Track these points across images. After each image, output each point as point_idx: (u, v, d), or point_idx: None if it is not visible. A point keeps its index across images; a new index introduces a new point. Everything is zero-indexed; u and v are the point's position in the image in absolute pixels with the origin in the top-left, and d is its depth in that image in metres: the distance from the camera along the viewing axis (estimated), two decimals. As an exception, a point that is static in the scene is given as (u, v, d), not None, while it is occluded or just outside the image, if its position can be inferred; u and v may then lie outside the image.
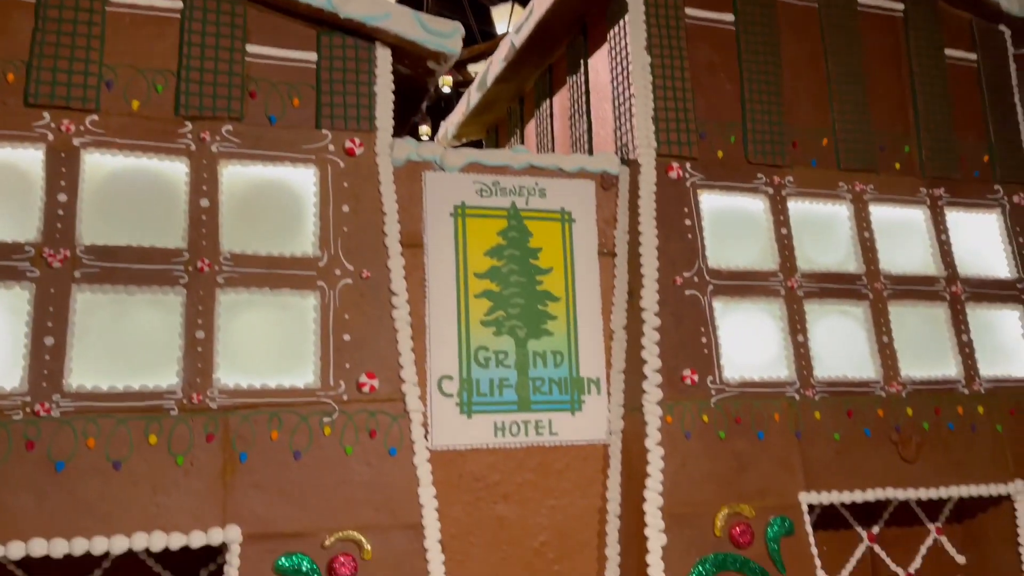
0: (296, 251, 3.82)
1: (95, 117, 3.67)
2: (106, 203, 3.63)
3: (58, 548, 3.19)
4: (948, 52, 5.18)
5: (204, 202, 3.73)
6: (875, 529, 4.65)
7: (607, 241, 4.40)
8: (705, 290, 4.25)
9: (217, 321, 3.61)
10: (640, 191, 4.28)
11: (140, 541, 3.29)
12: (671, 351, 4.08)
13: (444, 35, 4.21)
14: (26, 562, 3.40)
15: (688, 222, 4.32)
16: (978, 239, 4.98)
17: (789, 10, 4.84)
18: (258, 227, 3.81)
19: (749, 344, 4.29)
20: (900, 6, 5.13)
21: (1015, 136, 5.22)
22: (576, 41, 5.12)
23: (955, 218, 4.94)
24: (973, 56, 5.26)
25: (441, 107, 11.56)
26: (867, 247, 4.67)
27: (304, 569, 3.44)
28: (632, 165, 4.39)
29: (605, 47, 4.73)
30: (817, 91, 4.80)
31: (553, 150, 5.44)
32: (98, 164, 3.66)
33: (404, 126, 4.86)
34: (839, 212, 4.71)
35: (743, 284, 4.35)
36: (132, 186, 3.69)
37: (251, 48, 3.95)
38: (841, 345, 4.46)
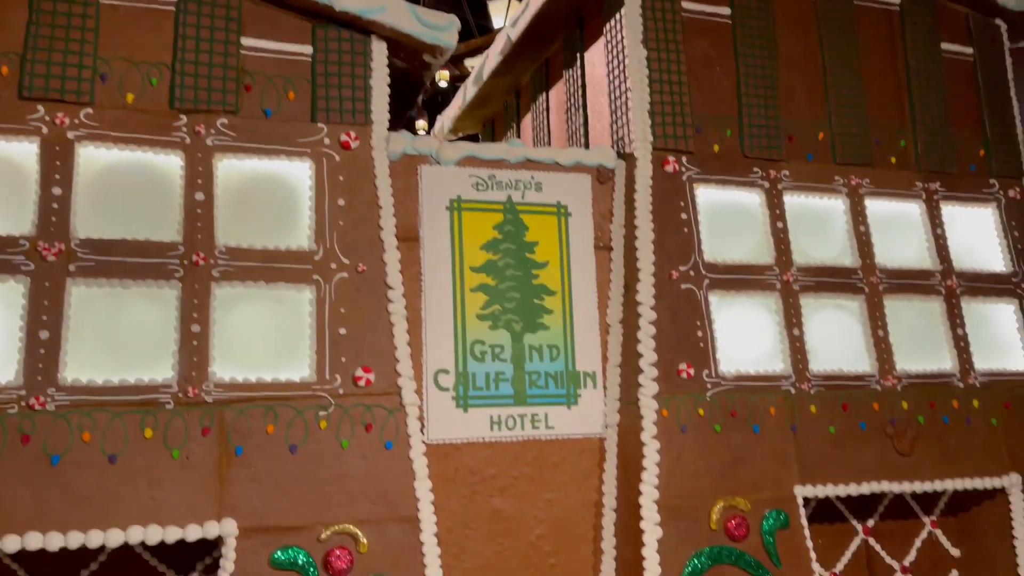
0: (292, 245, 3.81)
1: (89, 110, 3.66)
2: (101, 196, 3.62)
3: (54, 542, 3.18)
4: (944, 46, 5.18)
5: (199, 195, 3.72)
6: (870, 522, 4.67)
7: (603, 235, 4.40)
8: (701, 284, 4.26)
9: (212, 315, 3.61)
10: (636, 185, 4.28)
11: (136, 535, 3.29)
12: (667, 345, 4.08)
13: (440, 28, 4.21)
14: (22, 556, 3.40)
15: (684, 216, 4.32)
16: (974, 233, 4.99)
17: (785, 4, 4.83)
18: (253, 221, 3.80)
19: (745, 338, 4.30)
20: (896, 0, 5.12)
21: (1011, 130, 5.23)
22: (572, 35, 5.11)
23: (951, 212, 4.95)
24: (969, 50, 5.26)
25: (438, 101, 11.54)
26: (863, 241, 4.67)
27: (300, 562, 3.45)
28: (628, 159, 4.39)
29: (601, 41, 4.72)
30: (813, 85, 4.80)
31: (549, 144, 5.44)
32: (93, 157, 3.65)
33: (400, 120, 4.85)
34: (835, 206, 4.72)
35: (739, 278, 4.35)
36: (127, 179, 3.68)
37: (246, 41, 3.94)
38: (837, 339, 4.47)
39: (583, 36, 4.99)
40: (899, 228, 4.81)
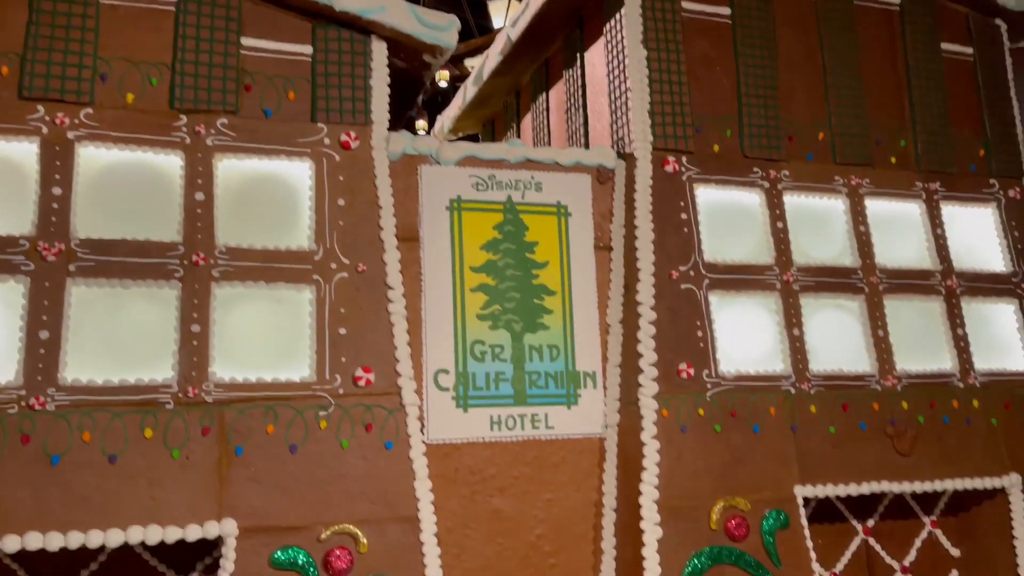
0: (292, 245, 3.81)
1: (89, 110, 3.66)
2: (101, 196, 3.62)
3: (54, 542, 3.18)
4: (944, 46, 5.18)
5: (199, 195, 3.72)
6: (870, 522, 4.67)
7: (603, 235, 4.40)
8: (701, 284, 4.26)
9: (212, 315, 3.61)
10: (636, 185, 4.28)
11: (136, 535, 3.29)
12: (667, 345, 4.08)
13: (440, 28, 4.21)
14: (22, 556, 3.40)
15: (684, 216, 4.32)
16: (974, 233, 4.99)
17: (785, 4, 4.83)
18: (253, 221, 3.80)
19: (745, 338, 4.30)
20: (896, 0, 5.13)
21: (1011, 130, 5.23)
22: (572, 35, 5.11)
23: (951, 212, 4.95)
24: (969, 50, 5.26)
25: (438, 102, 11.54)
26: (863, 241, 4.67)
27: (300, 562, 3.45)
28: (628, 159, 4.39)
29: (601, 41, 4.72)
30: (813, 85, 4.80)
31: (549, 144, 5.44)
32: (93, 157, 3.65)
33: (400, 120, 4.85)
34: (835, 206, 4.72)
35: (739, 278, 4.35)
36: (127, 179, 3.68)
37: (246, 41, 3.94)
38: (837, 339, 4.47)
39: (583, 36, 4.99)
40: (899, 228, 4.81)
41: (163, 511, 3.35)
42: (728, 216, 4.46)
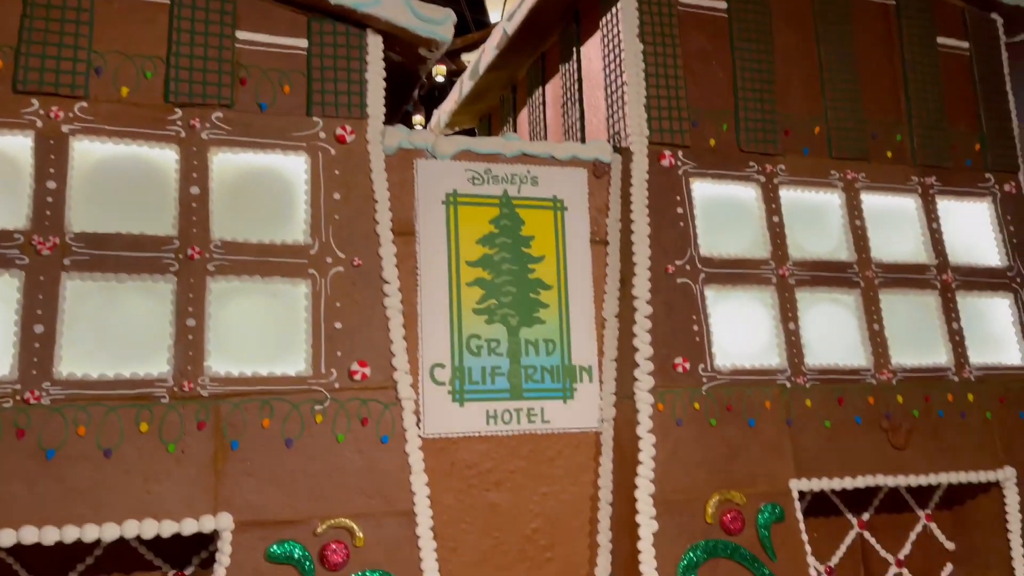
0: (287, 239, 3.81)
1: (84, 104, 3.64)
2: (95, 190, 3.61)
3: (49, 536, 3.18)
4: (940, 40, 5.18)
5: (194, 189, 3.71)
6: (865, 516, 4.68)
7: (599, 229, 4.40)
8: (697, 278, 4.26)
9: (208, 309, 3.60)
10: (632, 179, 4.28)
11: (131, 529, 3.29)
12: (663, 339, 4.09)
13: (435, 22, 4.20)
14: (17, 550, 3.39)
15: (680, 210, 4.32)
16: (969, 227, 4.99)
17: (782, -2, 4.83)
18: (248, 215, 3.80)
19: (741, 332, 4.30)
20: (892, -7, 5.14)
21: (1007, 125, 5.22)
22: (569, 29, 5.10)
23: (946, 206, 4.96)
24: (965, 44, 5.26)
25: (435, 96, 11.53)
26: (858, 235, 4.68)
27: (296, 556, 3.45)
28: (624, 153, 4.38)
29: (597, 35, 4.72)
30: (809, 79, 4.80)
31: (545, 138, 5.44)
32: (87, 151, 3.64)
33: (397, 114, 4.85)
34: (831, 200, 4.72)
35: (735, 272, 4.36)
36: (122, 173, 3.67)
37: (241, 34, 3.93)
38: (832, 333, 4.48)
39: (579, 30, 4.99)
40: (895, 222, 4.82)
41: (159, 505, 3.35)
42: (724, 210, 4.46)
